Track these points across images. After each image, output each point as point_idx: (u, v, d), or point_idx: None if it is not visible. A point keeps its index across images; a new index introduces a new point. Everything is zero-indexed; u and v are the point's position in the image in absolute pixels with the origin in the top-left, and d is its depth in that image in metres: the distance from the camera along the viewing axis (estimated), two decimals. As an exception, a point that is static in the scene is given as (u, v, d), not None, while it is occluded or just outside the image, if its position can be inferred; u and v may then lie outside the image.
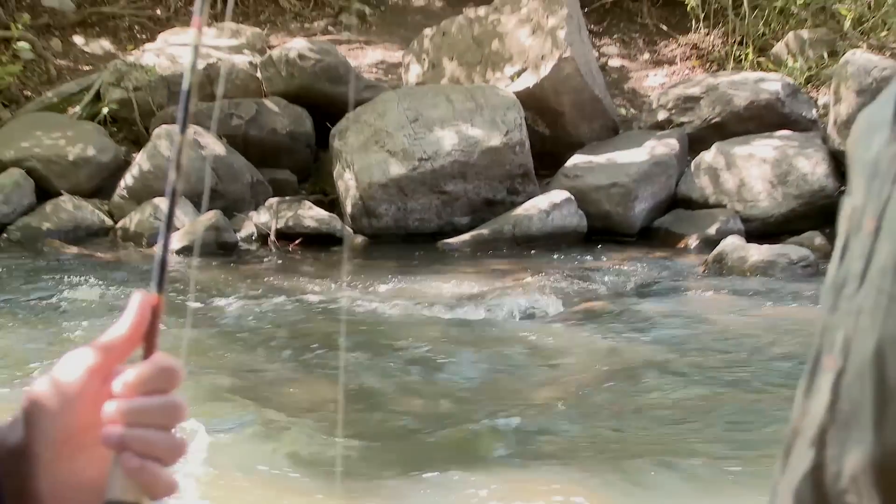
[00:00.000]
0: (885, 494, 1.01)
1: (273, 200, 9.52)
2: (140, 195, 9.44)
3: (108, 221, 9.51)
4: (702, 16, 11.06)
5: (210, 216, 8.89)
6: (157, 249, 1.21)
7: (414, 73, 10.57)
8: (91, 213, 9.50)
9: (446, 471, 5.75)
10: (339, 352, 6.53)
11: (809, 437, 1.10)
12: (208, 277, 8.36)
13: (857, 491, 1.04)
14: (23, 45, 10.79)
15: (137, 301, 1.18)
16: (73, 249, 9.13)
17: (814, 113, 9.93)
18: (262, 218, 9.36)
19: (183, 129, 1.24)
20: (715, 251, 8.90)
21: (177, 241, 8.37)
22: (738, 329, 7.68)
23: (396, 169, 9.20)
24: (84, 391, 1.19)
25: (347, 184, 9.42)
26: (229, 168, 9.42)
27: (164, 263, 1.20)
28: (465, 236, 9.29)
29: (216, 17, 10.04)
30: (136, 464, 1.15)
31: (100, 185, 9.74)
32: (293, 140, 10.02)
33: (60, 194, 9.53)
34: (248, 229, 9.35)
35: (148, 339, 1.20)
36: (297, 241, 9.22)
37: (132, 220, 9.34)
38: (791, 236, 9.07)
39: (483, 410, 6.50)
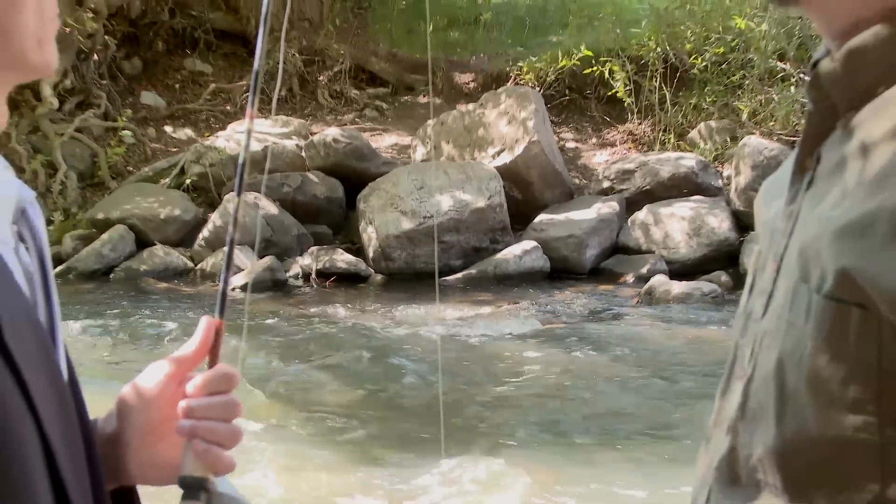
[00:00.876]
0: (784, 473, 1.03)
1: (314, 248, 9.50)
2: (214, 244, 9.49)
3: (190, 264, 9.49)
4: (635, 110, 11.05)
5: (266, 260, 8.91)
6: (220, 284, 1.26)
7: (420, 152, 10.57)
8: (177, 258, 9.48)
9: (444, 448, 5.58)
10: (439, 368, 6.61)
11: (725, 427, 1.12)
12: (264, 306, 8.38)
13: (763, 470, 1.05)
14: (126, 133, 10.84)
15: (204, 324, 1.22)
16: (163, 285, 9.12)
17: (720, 182, 9.96)
18: (305, 261, 9.33)
19: (239, 193, 1.29)
20: (646, 286, 8.87)
21: (241, 278, 8.40)
22: (664, 344, 7.71)
23: (406, 224, 9.19)
24: (163, 392, 1.21)
25: (370, 236, 9.41)
26: (281, 224, 9.43)
27: (224, 295, 1.25)
28: (459, 275, 9.26)
29: (271, 111, 10.14)
30: (203, 447, 1.16)
31: (184, 237, 9.74)
32: (329, 203, 10.02)
33: (154, 244, 9.55)
34: (294, 270, 9.31)
35: (212, 352, 1.22)
36: (331, 279, 9.16)
37: (208, 263, 9.35)
38: (703, 275, 9.01)
39: (468, 404, 6.45)
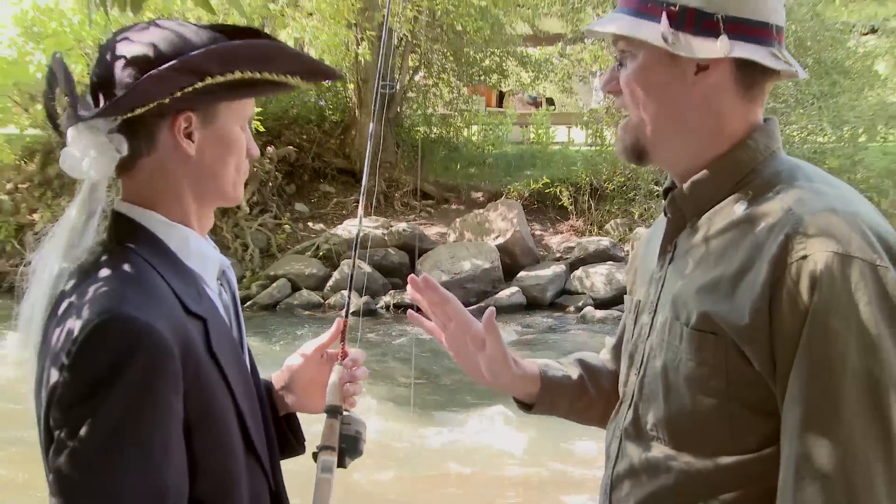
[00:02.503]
0: (669, 432, 0.97)
1: (391, 291, 9.43)
2: (335, 289, 9.42)
3: (321, 301, 9.38)
4: (575, 213, 10.97)
5: (365, 297, 8.87)
6: (345, 306, 1.29)
7: (451, 237, 10.53)
8: (315, 297, 9.39)
9: (451, 406, 5.68)
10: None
11: (628, 404, 1.05)
12: (364, 324, 8.23)
13: (656, 430, 0.98)
14: (287, 226, 10.86)
15: (336, 323, 1.19)
16: (307, 313, 9.02)
17: (623, 254, 9.89)
18: (386, 298, 9.26)
19: (353, 260, 1.40)
20: (581, 312, 8.79)
21: (352, 307, 8.45)
22: (592, 346, 7.27)
23: (445, 278, 9.17)
24: (311, 360, 1.19)
25: None
26: (373, 277, 9.36)
27: (347, 307, 1.28)
28: (473, 307, 8.90)
29: (369, 214, 10.26)
30: (348, 379, 1.14)
31: (318, 285, 9.65)
32: (401, 265, 9.92)
33: (301, 289, 9.50)
34: (381, 304, 9.21)
35: (342, 340, 1.18)
36: (401, 309, 8.98)
37: (332, 300, 9.28)
38: (614, 306, 8.83)
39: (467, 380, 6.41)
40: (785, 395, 0.84)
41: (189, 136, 0.95)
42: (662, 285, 1.01)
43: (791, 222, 0.86)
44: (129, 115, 0.91)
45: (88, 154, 0.90)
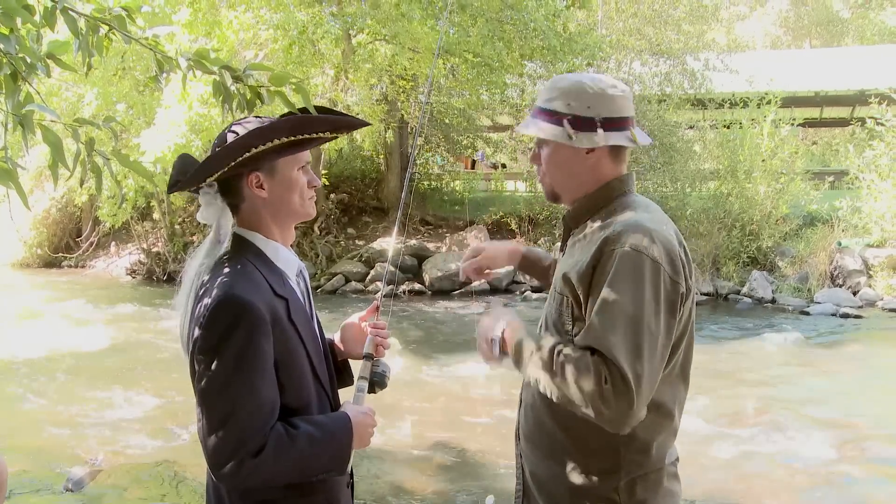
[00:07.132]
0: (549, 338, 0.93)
1: (406, 282, 9.19)
2: (373, 279, 9.21)
3: (363, 288, 9.07)
4: (520, 233, 10.55)
5: (391, 286, 8.15)
6: (380, 293, 1.18)
7: (443, 249, 10.10)
8: (359, 286, 8.96)
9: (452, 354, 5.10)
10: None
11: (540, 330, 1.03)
12: (388, 302, 7.54)
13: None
14: (342, 242, 10.47)
15: (373, 303, 1.12)
16: (354, 295, 8.63)
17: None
18: (403, 286, 9.00)
19: (390, 263, 1.26)
20: (523, 294, 8.56)
21: (383, 291, 8.23)
22: (533, 318, 6.72)
23: (438, 273, 9.00)
24: (355, 326, 1.09)
25: (427, 277, 9.13)
26: (393, 274, 8.98)
27: (381, 295, 1.16)
28: (456, 292, 8.95)
29: (396, 235, 10.09)
30: (378, 337, 1.06)
31: (361, 278, 9.34)
32: (413, 266, 9.59)
33: (351, 281, 9.25)
34: (400, 290, 8.93)
35: (377, 314, 1.10)
36: (413, 293, 8.77)
37: (370, 288, 8.95)
38: (545, 291, 8.25)
39: (450, 341, 5.56)
40: (593, 310, 0.89)
41: (260, 186, 0.90)
42: (558, 269, 1.01)
43: (610, 232, 0.91)
44: (212, 181, 0.88)
45: (207, 210, 0.92)
